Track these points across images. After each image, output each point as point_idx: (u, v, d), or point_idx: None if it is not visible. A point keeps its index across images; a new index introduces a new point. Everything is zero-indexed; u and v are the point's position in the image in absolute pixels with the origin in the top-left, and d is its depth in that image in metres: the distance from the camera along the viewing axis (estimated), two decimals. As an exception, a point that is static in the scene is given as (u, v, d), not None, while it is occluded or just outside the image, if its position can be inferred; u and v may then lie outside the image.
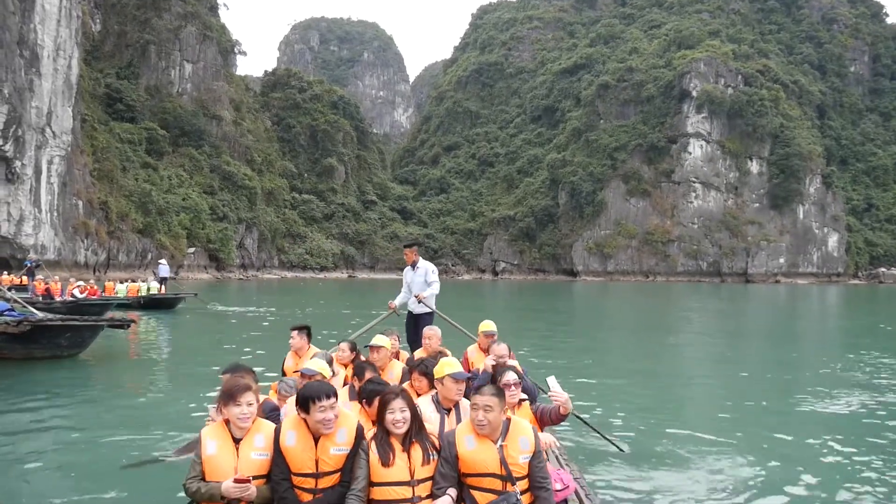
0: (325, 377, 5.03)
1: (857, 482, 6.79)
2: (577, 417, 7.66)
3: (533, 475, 3.92)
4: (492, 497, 3.86)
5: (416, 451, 3.92)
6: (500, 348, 6.71)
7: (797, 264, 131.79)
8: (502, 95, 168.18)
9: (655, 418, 9.41)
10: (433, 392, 5.05)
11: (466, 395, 4.81)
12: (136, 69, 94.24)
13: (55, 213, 62.14)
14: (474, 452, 3.91)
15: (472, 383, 5.14)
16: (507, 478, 3.87)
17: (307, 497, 3.90)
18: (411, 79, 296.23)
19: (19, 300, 16.12)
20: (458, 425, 4.26)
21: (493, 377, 5.11)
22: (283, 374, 7.10)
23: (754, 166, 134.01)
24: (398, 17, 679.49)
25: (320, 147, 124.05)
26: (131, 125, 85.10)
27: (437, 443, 4.05)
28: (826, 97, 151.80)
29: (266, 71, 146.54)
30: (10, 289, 26.56)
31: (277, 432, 4.01)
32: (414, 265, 9.73)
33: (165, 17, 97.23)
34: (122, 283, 32.20)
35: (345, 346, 7.05)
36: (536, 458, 3.97)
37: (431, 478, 3.92)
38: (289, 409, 5.01)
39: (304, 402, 3.94)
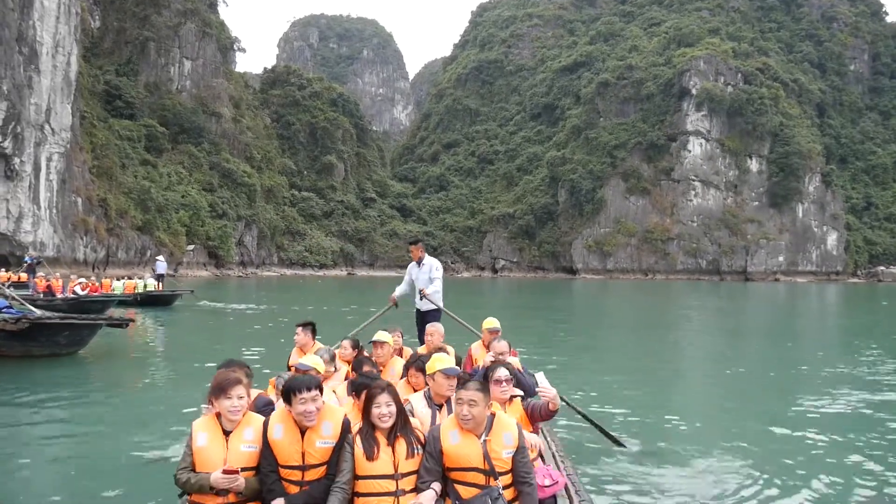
0: (318, 372, 5.08)
1: (856, 480, 6.78)
2: (577, 412, 7.68)
3: (516, 470, 3.93)
4: (475, 491, 3.89)
5: (401, 444, 3.97)
6: (500, 345, 6.71)
7: (796, 262, 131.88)
8: (502, 93, 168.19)
9: (654, 415, 9.41)
10: (426, 388, 5.07)
11: None
12: (136, 66, 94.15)
13: (54, 211, 62.06)
14: (458, 447, 3.94)
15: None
16: (490, 472, 3.89)
17: (294, 489, 3.95)
18: (411, 76, 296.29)
19: (17, 297, 16.08)
20: (443, 420, 4.30)
21: (486, 373, 5.09)
22: (289, 369, 7.10)
23: (754, 164, 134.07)
24: (398, 15, 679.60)
25: (320, 144, 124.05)
26: (130, 122, 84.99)
27: (422, 437, 4.09)
28: (826, 95, 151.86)
29: (265, 68, 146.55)
30: (8, 286, 26.53)
31: (266, 425, 4.05)
32: (419, 261, 9.70)
33: (165, 14, 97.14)
34: (118, 279, 32.17)
35: (347, 343, 7.07)
36: (520, 453, 3.99)
37: (416, 472, 3.96)
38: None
39: (287, 395, 4.01)
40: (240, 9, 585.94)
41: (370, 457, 3.89)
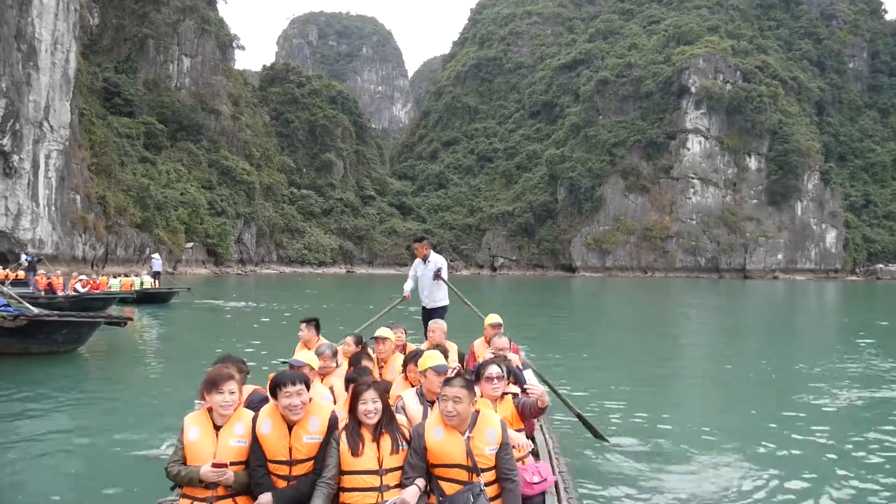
0: (312, 368, 5.14)
1: (855, 477, 6.77)
2: (564, 402, 7.73)
3: (499, 467, 3.97)
4: (458, 487, 3.92)
5: (386, 441, 4.02)
6: (500, 341, 6.74)
7: (795, 260, 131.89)
8: (501, 91, 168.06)
9: (653, 413, 9.42)
10: (418, 385, 5.12)
11: None
12: (134, 63, 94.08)
13: (53, 208, 62.07)
14: (441, 443, 3.98)
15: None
16: (473, 469, 3.93)
17: (282, 483, 4.00)
18: (410, 74, 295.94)
19: (15, 296, 16.06)
20: (428, 417, 4.34)
21: (478, 371, 5.11)
22: None
23: (753, 162, 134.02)
24: (397, 12, 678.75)
25: (319, 142, 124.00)
26: (129, 119, 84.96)
27: (407, 434, 4.14)
28: (825, 93, 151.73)
29: (264, 65, 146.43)
30: (8, 284, 26.51)
31: (255, 420, 4.11)
32: (425, 259, 9.69)
33: (164, 11, 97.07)
34: (115, 277, 32.16)
35: (350, 339, 7.07)
36: (503, 450, 4.03)
37: (401, 467, 4.01)
38: None
39: (273, 389, 4.08)
40: (239, 6, 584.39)
41: (355, 452, 3.94)
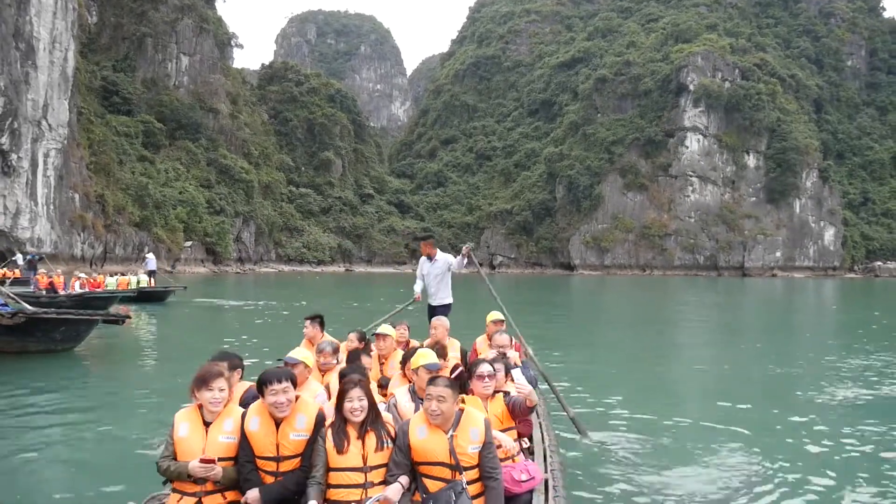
0: (307, 366, 5.18)
1: (853, 475, 6.76)
2: (554, 393, 7.81)
3: (483, 465, 4.02)
4: (441, 485, 3.97)
5: (371, 438, 4.06)
6: (501, 338, 6.77)
7: (793, 258, 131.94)
8: (500, 89, 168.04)
9: (651, 411, 9.42)
10: (406, 383, 5.20)
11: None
12: (133, 62, 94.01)
13: (51, 207, 62.01)
14: (425, 441, 4.03)
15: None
16: (456, 467, 3.98)
17: (270, 479, 4.07)
18: (408, 72, 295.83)
19: (11, 294, 16.06)
20: (413, 415, 4.40)
21: (470, 369, 5.15)
22: None
23: (751, 160, 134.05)
24: (395, 11, 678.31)
25: (317, 140, 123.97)
26: (128, 118, 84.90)
27: (392, 432, 4.19)
28: (823, 91, 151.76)
29: (263, 64, 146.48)
30: (9, 283, 26.54)
31: (244, 417, 4.18)
32: (430, 257, 9.73)
33: (162, 10, 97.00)
34: (111, 276, 32.15)
35: (353, 335, 7.13)
36: (487, 449, 4.07)
37: (385, 465, 4.05)
38: None
39: (260, 387, 4.14)
40: (237, 4, 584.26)
41: (340, 449, 3.99)
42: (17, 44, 57.49)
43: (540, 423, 5.93)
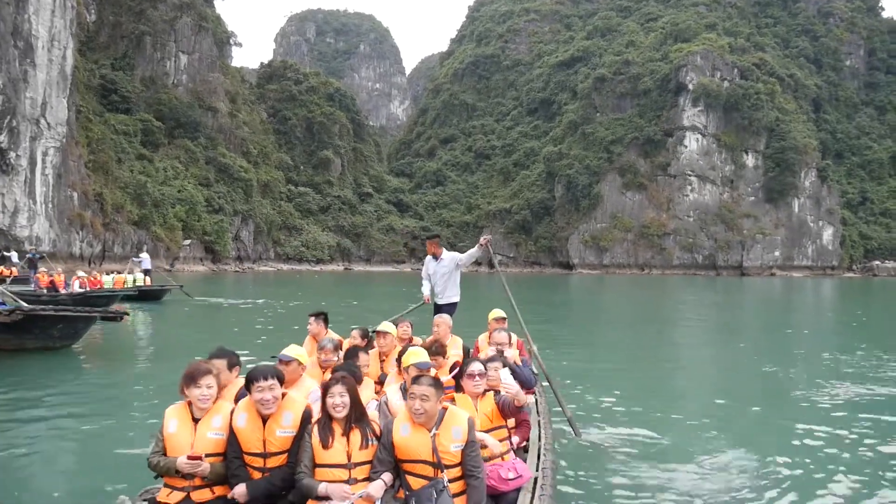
0: (301, 363, 5.20)
1: (853, 474, 6.75)
2: (553, 389, 7.79)
3: (465, 464, 4.06)
4: (423, 482, 4.02)
5: (356, 435, 4.11)
6: (499, 336, 6.79)
7: (792, 257, 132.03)
8: (499, 88, 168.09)
9: (649, 410, 9.44)
10: (401, 381, 5.23)
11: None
12: (132, 60, 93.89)
13: (50, 205, 61.97)
14: (408, 439, 4.08)
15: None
16: (438, 465, 4.02)
17: (257, 475, 4.15)
18: (408, 71, 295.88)
19: (7, 293, 16.05)
20: (398, 413, 4.44)
21: (461, 368, 5.18)
22: None
23: (750, 160, 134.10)
24: (394, 9, 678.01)
25: (316, 139, 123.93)
26: (126, 116, 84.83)
27: (377, 430, 4.24)
28: (822, 91, 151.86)
29: (262, 63, 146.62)
30: (4, 281, 26.50)
31: (233, 413, 4.25)
32: (436, 256, 9.71)
33: (160, 8, 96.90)
34: (108, 274, 32.12)
35: (356, 333, 7.19)
36: (469, 447, 4.11)
37: (370, 462, 4.11)
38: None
39: (247, 384, 4.22)
40: (236, 3, 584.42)
41: (325, 445, 4.05)
42: (16, 42, 57.43)
43: (539, 422, 5.95)
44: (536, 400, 6.69)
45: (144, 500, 4.24)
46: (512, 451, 4.98)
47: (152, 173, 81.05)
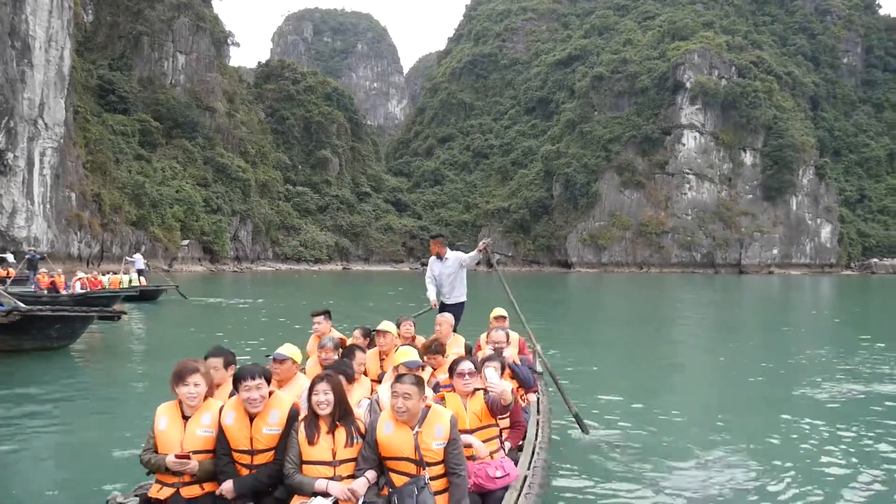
0: (295, 362, 5.27)
1: (852, 472, 6.74)
2: (562, 396, 7.84)
3: (447, 461, 4.12)
4: (406, 479, 4.08)
5: (341, 433, 4.19)
6: (497, 334, 6.82)
7: (790, 255, 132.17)
8: (496, 87, 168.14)
9: (647, 408, 9.45)
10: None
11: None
12: (129, 60, 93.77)
13: (48, 206, 61.90)
14: (391, 437, 4.14)
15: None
16: (420, 462, 4.08)
17: (245, 472, 4.24)
18: (405, 70, 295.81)
19: (5, 293, 16.03)
20: (382, 412, 4.49)
21: (451, 367, 5.21)
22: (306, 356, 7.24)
23: (748, 157, 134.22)
24: (392, 8, 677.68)
25: (314, 139, 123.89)
26: (124, 117, 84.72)
27: (363, 428, 4.32)
28: (819, 88, 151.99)
29: (259, 62, 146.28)
30: (5, 282, 26.42)
31: (221, 411, 4.33)
32: (440, 256, 9.70)
33: (158, 8, 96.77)
34: (104, 275, 32.09)
35: (358, 332, 7.23)
36: (452, 445, 4.16)
37: (354, 460, 4.18)
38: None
39: (235, 382, 4.29)
40: (234, 3, 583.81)
41: (311, 442, 4.13)
42: (13, 42, 57.36)
43: (538, 421, 5.96)
44: (538, 399, 6.70)
45: (136, 495, 4.30)
46: (502, 450, 5.01)
47: (150, 173, 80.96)
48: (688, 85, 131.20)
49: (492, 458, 4.73)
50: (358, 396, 5.06)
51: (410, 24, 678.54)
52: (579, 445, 7.53)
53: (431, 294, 9.61)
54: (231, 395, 4.66)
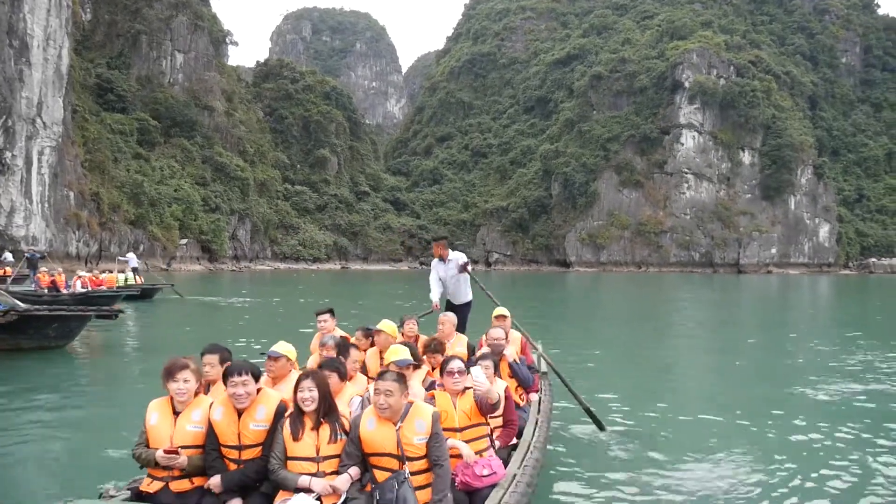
0: (289, 359, 5.28)
1: (852, 470, 6.74)
2: (572, 392, 7.90)
3: (430, 454, 4.18)
4: (388, 475, 4.14)
5: (325, 430, 4.25)
6: (495, 332, 6.85)
7: (789, 255, 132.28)
8: (495, 86, 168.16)
9: (646, 407, 9.45)
10: None
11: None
12: (127, 59, 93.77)
13: (46, 205, 61.91)
14: (373, 433, 4.20)
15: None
16: (401, 457, 4.15)
17: (233, 467, 4.32)
18: (404, 69, 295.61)
19: (4, 292, 16.02)
20: (366, 409, 4.54)
21: (443, 363, 5.25)
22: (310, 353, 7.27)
23: (746, 157, 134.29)
24: (390, 8, 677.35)
25: (313, 138, 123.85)
26: (122, 116, 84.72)
27: (347, 425, 4.37)
28: (818, 88, 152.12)
29: (258, 61, 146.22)
30: (5, 281, 26.41)
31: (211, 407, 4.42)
32: (443, 258, 9.69)
33: (156, 7, 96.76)
34: (102, 273, 32.09)
35: (360, 333, 7.26)
36: (433, 439, 4.22)
37: (338, 456, 4.24)
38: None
39: (224, 379, 4.38)
40: (232, 2, 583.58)
41: (295, 438, 4.19)
42: (11, 41, 57.37)
43: (537, 420, 5.97)
44: (540, 399, 6.72)
45: (129, 489, 4.38)
46: (492, 449, 5.04)
47: (149, 172, 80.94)
48: (686, 84, 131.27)
49: (481, 456, 4.75)
50: (350, 394, 5.09)
51: (409, 24, 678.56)
52: (578, 443, 7.55)
53: (434, 296, 9.58)
54: None
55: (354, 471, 4.16)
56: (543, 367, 7.94)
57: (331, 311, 7.50)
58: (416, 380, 5.70)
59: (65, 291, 25.44)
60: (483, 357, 5.91)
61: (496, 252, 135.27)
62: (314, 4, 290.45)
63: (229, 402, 4.33)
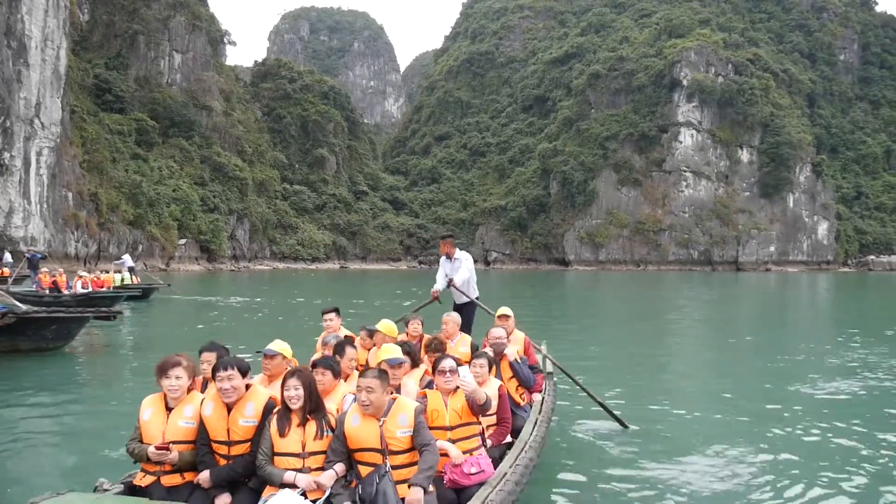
0: (285, 357, 5.36)
1: (853, 469, 6.73)
2: (585, 391, 7.97)
3: (416, 442, 4.25)
4: (371, 469, 4.19)
5: (311, 426, 4.31)
6: (496, 331, 6.87)
7: (787, 252, 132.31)
8: (493, 85, 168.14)
9: (646, 406, 9.45)
10: None
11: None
12: (125, 59, 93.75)
13: (45, 205, 61.92)
14: (357, 429, 4.26)
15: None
16: (383, 451, 4.21)
17: (223, 462, 4.40)
18: (402, 69, 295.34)
19: (4, 293, 16.02)
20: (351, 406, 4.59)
21: (435, 362, 5.29)
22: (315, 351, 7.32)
23: (745, 155, 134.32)
24: (388, 7, 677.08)
25: (311, 137, 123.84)
26: (121, 116, 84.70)
27: (333, 422, 4.42)
28: (816, 86, 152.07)
29: (256, 61, 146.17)
30: (6, 282, 26.40)
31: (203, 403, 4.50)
32: (449, 256, 9.69)
33: (154, 7, 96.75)
34: (101, 273, 32.12)
35: (363, 333, 7.35)
36: (417, 431, 4.29)
37: (324, 452, 4.30)
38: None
39: (213, 374, 4.45)
40: (230, 1, 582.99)
41: (282, 434, 4.25)
42: (9, 42, 57.37)
43: (537, 420, 5.98)
44: (542, 399, 6.74)
45: (123, 483, 4.45)
46: (483, 447, 5.06)
47: (147, 173, 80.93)
48: (684, 82, 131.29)
49: (471, 455, 4.78)
50: (343, 392, 5.11)
51: (407, 23, 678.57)
52: (577, 442, 7.58)
53: (439, 285, 9.57)
54: None
55: (340, 467, 4.21)
56: (549, 368, 7.94)
57: (336, 310, 7.57)
58: (412, 378, 5.74)
59: (66, 292, 25.40)
60: (477, 356, 5.93)
61: (495, 251, 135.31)
62: (312, 4, 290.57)
63: (219, 398, 4.39)
